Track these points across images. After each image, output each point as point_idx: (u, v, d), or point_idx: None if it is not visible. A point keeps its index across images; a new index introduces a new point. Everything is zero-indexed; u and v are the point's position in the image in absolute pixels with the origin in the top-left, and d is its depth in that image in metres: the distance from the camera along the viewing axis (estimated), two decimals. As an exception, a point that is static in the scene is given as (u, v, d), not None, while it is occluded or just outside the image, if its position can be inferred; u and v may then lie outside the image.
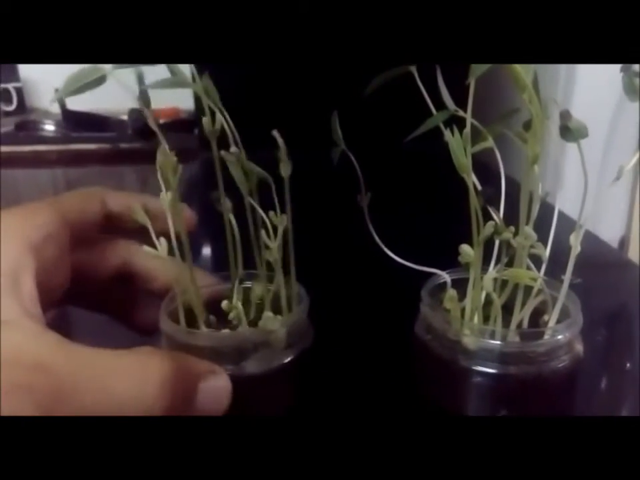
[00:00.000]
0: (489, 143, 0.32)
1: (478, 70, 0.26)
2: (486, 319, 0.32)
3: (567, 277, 0.31)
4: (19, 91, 1.60)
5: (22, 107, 1.61)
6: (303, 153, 0.35)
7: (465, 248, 0.31)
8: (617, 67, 0.29)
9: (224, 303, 0.33)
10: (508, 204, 0.33)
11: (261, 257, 0.33)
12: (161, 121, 1.28)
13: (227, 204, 0.33)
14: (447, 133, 0.29)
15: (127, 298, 0.36)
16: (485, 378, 0.31)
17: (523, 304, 0.32)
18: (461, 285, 0.33)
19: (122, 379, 0.23)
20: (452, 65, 0.28)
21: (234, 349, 0.30)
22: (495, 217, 0.31)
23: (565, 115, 0.27)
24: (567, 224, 0.33)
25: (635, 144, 0.89)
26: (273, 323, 0.30)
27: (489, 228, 0.31)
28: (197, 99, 0.30)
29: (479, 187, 0.31)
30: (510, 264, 0.32)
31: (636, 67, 0.29)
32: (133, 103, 0.28)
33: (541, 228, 0.32)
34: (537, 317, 0.33)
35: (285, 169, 0.31)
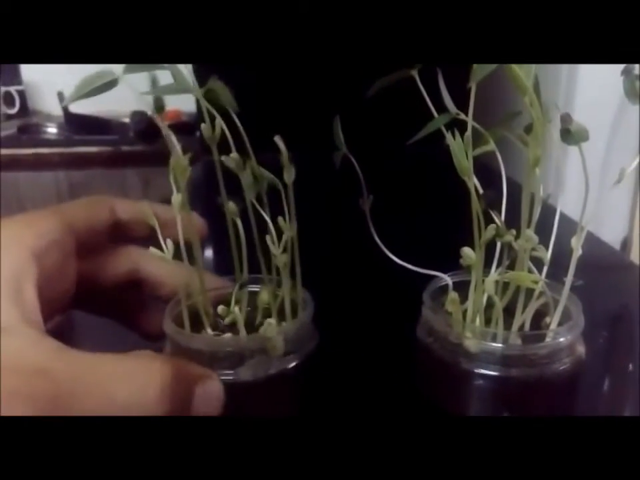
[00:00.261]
0: (491, 146, 0.32)
1: (479, 74, 0.27)
2: (487, 321, 0.32)
3: (569, 280, 0.31)
4: (22, 94, 1.60)
5: (24, 109, 1.62)
6: (305, 156, 0.35)
7: (466, 251, 0.31)
8: (618, 69, 0.29)
9: (220, 308, 0.34)
10: (510, 206, 0.33)
11: (267, 262, 0.33)
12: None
13: (232, 208, 0.33)
14: (448, 136, 0.29)
15: (135, 303, 0.36)
16: (486, 380, 0.31)
17: (525, 306, 0.32)
18: (462, 288, 0.33)
19: (123, 384, 0.23)
20: (453, 69, 0.28)
21: (232, 355, 0.30)
22: (496, 219, 0.31)
23: (566, 118, 0.27)
24: (569, 226, 0.33)
25: (636, 146, 0.89)
26: (272, 330, 0.30)
27: (490, 231, 0.31)
28: (199, 102, 0.30)
29: (481, 190, 0.31)
30: (511, 266, 0.32)
31: (637, 70, 0.29)
32: (135, 106, 0.28)
33: (543, 230, 0.32)
34: (538, 319, 0.33)
35: (289, 175, 0.31)
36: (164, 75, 0.29)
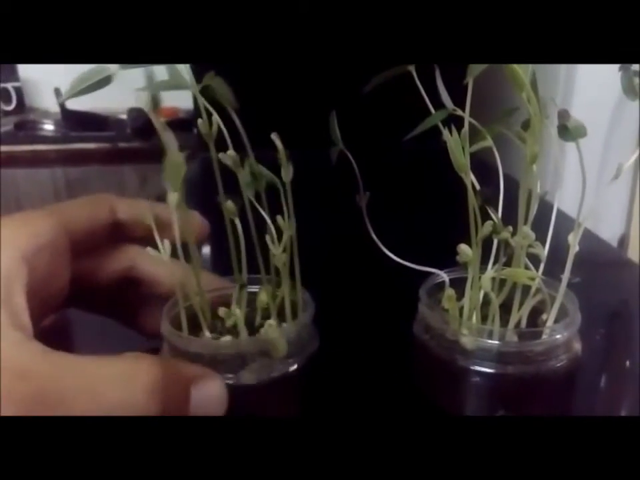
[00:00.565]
0: (488, 142, 0.32)
1: (476, 69, 0.26)
2: (484, 318, 0.32)
3: (565, 276, 0.31)
4: (18, 91, 1.60)
5: (21, 106, 1.61)
6: (301, 152, 0.35)
7: (463, 247, 0.31)
8: (617, 66, 0.29)
9: (221, 310, 0.33)
10: (507, 203, 0.33)
11: (265, 262, 0.33)
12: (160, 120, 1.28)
13: (230, 207, 0.32)
14: (445, 133, 0.29)
15: (133, 301, 0.36)
16: (483, 377, 0.30)
17: (521, 303, 0.32)
18: (459, 284, 0.33)
19: (109, 386, 0.23)
20: (450, 64, 0.28)
21: (233, 358, 0.29)
22: (493, 216, 0.31)
23: (564, 115, 0.27)
24: (567, 223, 0.33)
25: (634, 142, 0.89)
26: (274, 332, 0.30)
27: (487, 227, 0.31)
28: (196, 99, 0.30)
29: (478, 187, 0.31)
30: (508, 263, 0.32)
31: (635, 65, 0.29)
32: (133, 102, 0.28)
33: (540, 227, 0.32)
34: (535, 316, 0.33)
35: (286, 173, 0.31)
36: (161, 71, 0.28)
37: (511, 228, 0.31)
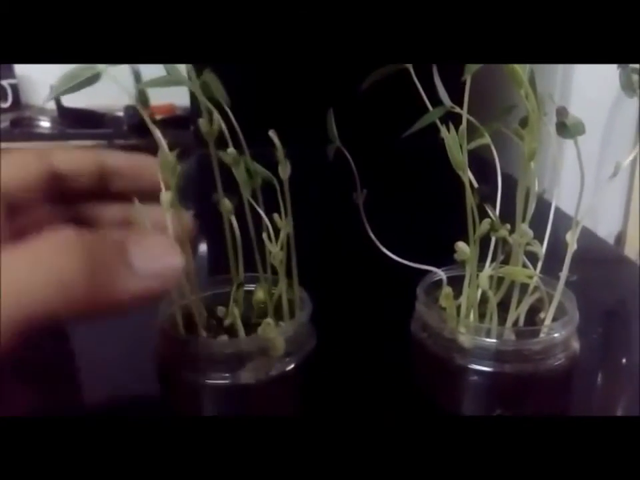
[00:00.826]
0: (485, 139, 0.32)
1: (473, 67, 0.26)
2: (482, 316, 0.32)
3: (563, 275, 0.31)
4: (14, 88, 1.59)
5: (17, 103, 1.61)
6: (298, 149, 0.35)
7: (460, 245, 0.31)
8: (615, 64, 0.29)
9: (219, 309, 0.33)
10: (505, 200, 0.33)
11: (262, 260, 0.33)
12: (157, 117, 1.28)
13: (227, 205, 0.32)
14: (443, 130, 0.29)
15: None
16: (480, 376, 0.30)
17: (519, 301, 0.32)
18: (456, 283, 0.33)
19: (32, 268, 0.21)
20: (448, 62, 0.28)
21: (231, 357, 0.29)
22: (490, 214, 0.31)
23: (562, 112, 0.27)
24: (565, 220, 0.33)
25: (632, 140, 0.89)
26: (271, 331, 0.30)
27: (485, 225, 0.30)
28: (193, 96, 0.29)
29: (475, 184, 0.31)
30: (506, 261, 0.32)
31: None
32: (129, 100, 0.27)
33: (539, 225, 0.32)
34: (533, 314, 0.33)
35: (284, 171, 0.31)
36: (154, 68, 0.28)
37: (508, 226, 0.31)
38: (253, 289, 0.34)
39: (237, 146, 0.31)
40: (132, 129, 1.31)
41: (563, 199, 0.36)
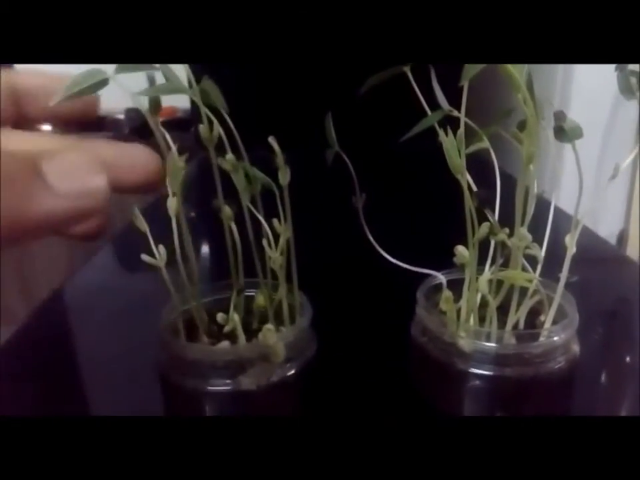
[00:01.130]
0: (484, 143, 0.32)
1: (471, 71, 0.26)
2: (482, 320, 0.32)
3: (563, 278, 0.31)
4: (16, 91, 1.59)
5: (18, 106, 1.60)
6: (297, 154, 0.35)
7: (460, 249, 0.31)
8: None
9: (219, 316, 0.33)
10: (507, 202, 0.33)
11: (262, 266, 0.33)
12: (158, 120, 1.28)
13: (227, 211, 0.32)
14: (441, 134, 0.29)
15: None
16: (481, 380, 0.30)
17: (519, 305, 0.32)
18: (456, 286, 0.33)
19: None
20: (446, 65, 0.28)
21: (232, 363, 0.29)
22: (489, 217, 0.31)
23: (560, 116, 0.27)
24: (566, 221, 0.33)
25: (633, 141, 0.89)
26: (272, 336, 0.30)
27: (483, 229, 0.30)
28: (193, 100, 0.29)
29: (474, 188, 0.31)
30: (506, 264, 0.31)
31: (631, 65, 0.29)
32: (130, 102, 0.27)
33: (540, 226, 0.32)
34: (533, 317, 0.33)
35: (284, 177, 0.31)
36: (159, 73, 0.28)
37: (507, 230, 0.31)
38: (254, 294, 0.34)
39: (236, 151, 0.31)
40: (133, 132, 1.30)
41: (565, 200, 0.36)
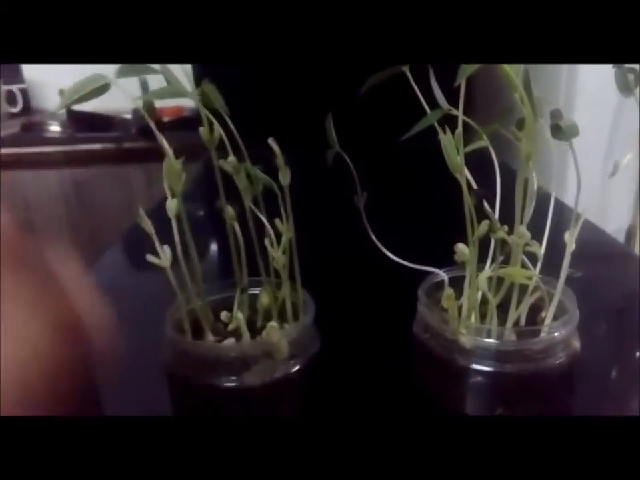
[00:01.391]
0: (483, 142, 0.32)
1: (467, 71, 0.27)
2: (483, 317, 0.32)
3: (563, 274, 0.31)
4: (24, 92, 1.61)
5: (27, 108, 1.62)
6: (297, 154, 0.35)
7: (460, 247, 0.31)
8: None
9: (223, 314, 0.34)
10: (511, 198, 0.33)
11: (266, 265, 0.33)
12: (165, 119, 1.28)
13: (230, 212, 0.33)
14: (441, 134, 0.29)
15: None
16: (482, 376, 0.31)
17: (519, 302, 0.32)
18: (458, 283, 0.33)
19: None
20: (446, 65, 0.28)
21: (236, 360, 0.30)
22: (489, 215, 0.31)
23: (556, 114, 0.27)
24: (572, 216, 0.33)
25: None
26: (275, 334, 0.30)
27: (483, 226, 0.31)
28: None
29: (474, 186, 0.31)
30: (507, 261, 0.32)
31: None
32: (136, 103, 0.28)
33: (545, 222, 0.32)
34: (535, 313, 0.33)
35: (284, 177, 0.31)
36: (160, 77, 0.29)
37: (506, 227, 0.31)
38: (258, 292, 0.35)
39: (238, 152, 0.31)
40: (140, 132, 1.31)
41: (572, 197, 0.36)
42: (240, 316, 0.32)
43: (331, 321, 0.35)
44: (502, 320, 0.32)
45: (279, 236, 0.32)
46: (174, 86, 0.29)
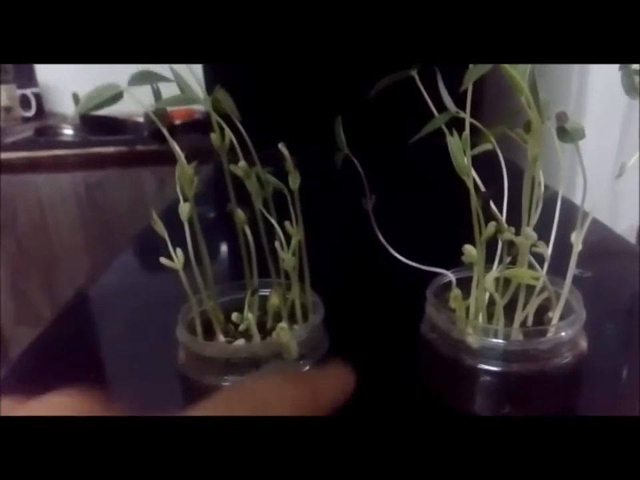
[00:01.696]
0: (490, 145, 0.32)
1: (474, 75, 0.27)
2: (491, 317, 0.32)
3: (569, 275, 0.31)
4: (38, 97, 1.63)
5: (41, 112, 1.64)
6: (307, 156, 0.36)
7: (468, 248, 0.32)
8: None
9: (234, 315, 0.34)
10: (519, 195, 0.33)
11: (276, 266, 0.34)
12: (176, 122, 1.29)
13: (241, 215, 0.33)
14: (449, 136, 0.30)
15: None
16: (489, 376, 0.31)
17: (526, 302, 0.32)
18: (465, 284, 0.34)
19: None
20: (454, 67, 0.28)
21: (246, 361, 0.30)
22: (496, 216, 0.31)
23: (562, 117, 0.27)
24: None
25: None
26: (285, 335, 0.31)
27: (490, 228, 0.31)
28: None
29: (482, 187, 0.31)
30: (514, 262, 0.32)
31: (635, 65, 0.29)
32: (149, 109, 0.29)
33: (559, 222, 0.32)
34: (542, 313, 0.34)
35: (294, 181, 0.32)
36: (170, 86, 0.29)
37: (513, 229, 0.31)
38: (268, 294, 0.35)
39: (249, 156, 0.32)
40: (153, 135, 1.32)
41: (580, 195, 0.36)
42: (250, 317, 0.32)
43: (340, 322, 0.35)
44: (509, 320, 0.32)
45: (288, 238, 0.33)
46: (186, 93, 0.29)
